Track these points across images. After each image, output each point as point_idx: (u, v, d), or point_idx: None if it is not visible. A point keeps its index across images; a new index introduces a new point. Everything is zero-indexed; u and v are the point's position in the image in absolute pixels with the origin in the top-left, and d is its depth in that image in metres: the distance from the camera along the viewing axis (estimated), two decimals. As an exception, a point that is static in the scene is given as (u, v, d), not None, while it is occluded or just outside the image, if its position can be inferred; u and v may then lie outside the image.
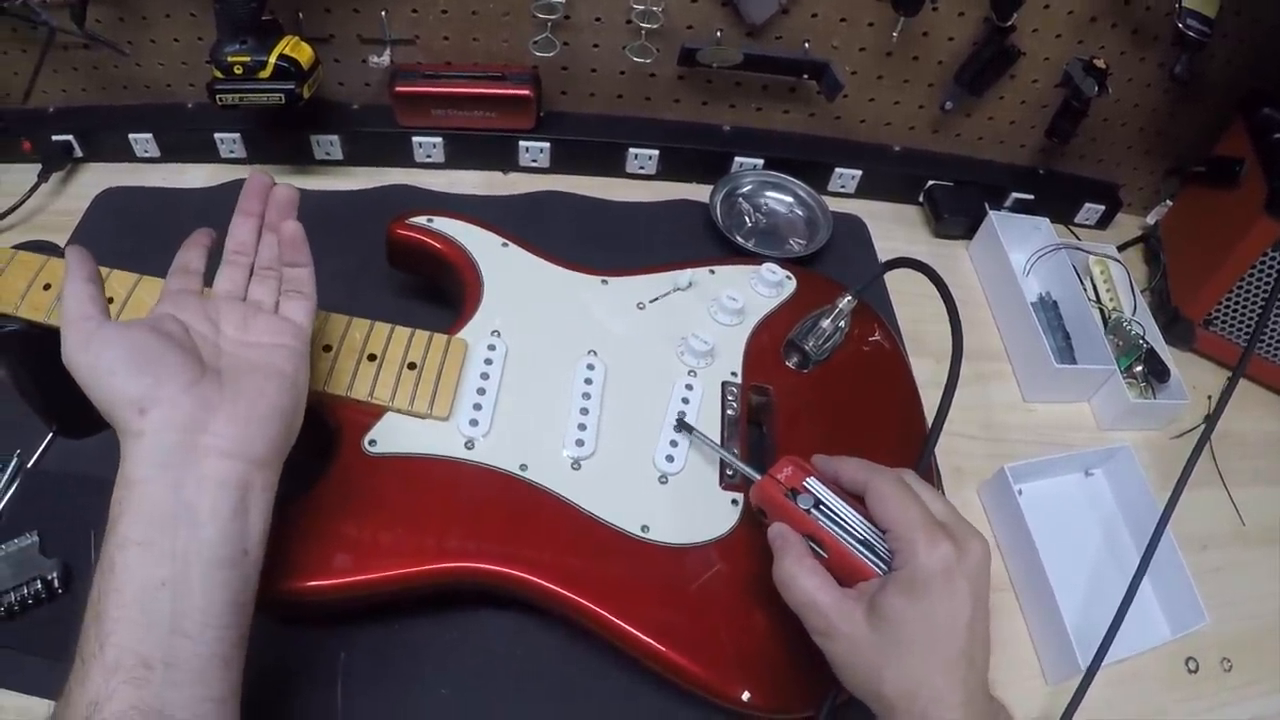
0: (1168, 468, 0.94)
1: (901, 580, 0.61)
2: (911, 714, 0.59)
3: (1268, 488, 1.10)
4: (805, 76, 1.18)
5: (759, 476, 0.71)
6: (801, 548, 0.66)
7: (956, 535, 0.63)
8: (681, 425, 0.83)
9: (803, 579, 0.64)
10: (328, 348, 0.81)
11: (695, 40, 1.14)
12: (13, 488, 0.84)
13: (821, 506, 0.67)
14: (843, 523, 0.66)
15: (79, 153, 1.17)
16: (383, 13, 1.11)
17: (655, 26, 1.11)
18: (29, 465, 0.86)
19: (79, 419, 0.88)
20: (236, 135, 1.17)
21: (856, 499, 0.68)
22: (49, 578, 0.76)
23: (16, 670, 0.74)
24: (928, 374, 0.98)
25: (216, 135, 1.17)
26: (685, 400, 0.87)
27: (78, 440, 0.88)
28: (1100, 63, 1.15)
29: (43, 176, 1.13)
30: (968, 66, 1.18)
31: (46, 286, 0.79)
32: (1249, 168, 1.11)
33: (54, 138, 1.15)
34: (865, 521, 0.66)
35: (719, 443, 0.85)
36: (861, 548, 0.65)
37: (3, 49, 1.12)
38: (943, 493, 0.94)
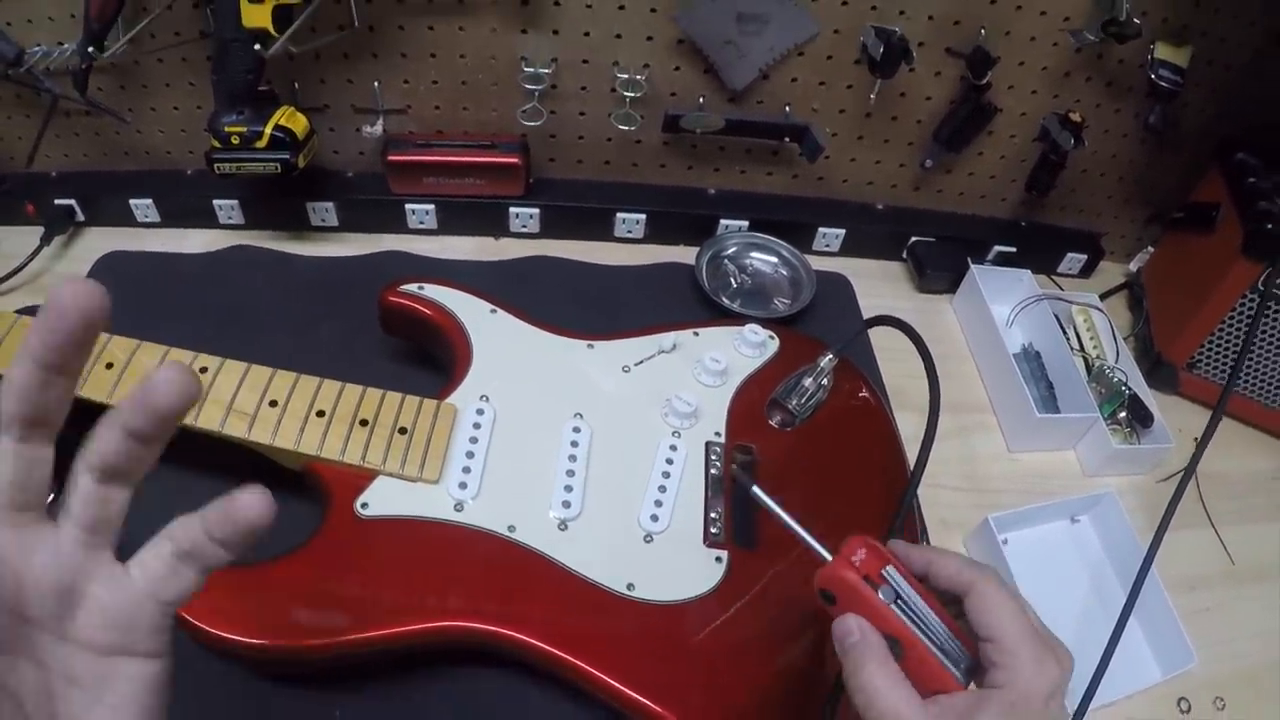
0: (1154, 511, 0.93)
1: (1004, 701, 0.56)
2: None
3: (1256, 526, 1.10)
4: (787, 139, 1.21)
5: (830, 557, 0.62)
6: (885, 652, 0.58)
7: (1056, 651, 0.59)
8: (736, 480, 0.80)
9: (891, 693, 0.57)
10: (321, 413, 0.82)
11: (678, 107, 1.17)
12: None
13: (900, 600, 0.60)
14: (923, 622, 0.60)
15: (81, 217, 1.19)
16: (375, 83, 1.13)
17: (639, 94, 1.13)
18: None
19: None
20: (234, 202, 1.19)
21: (930, 593, 0.62)
22: None
23: None
24: (913, 428, 0.99)
25: (215, 202, 1.19)
26: (669, 461, 0.88)
27: None
28: (1076, 116, 1.17)
29: (45, 240, 1.14)
30: (946, 124, 1.20)
31: None
32: (1225, 212, 1.13)
33: (56, 201, 1.17)
34: (942, 623, 0.61)
35: (704, 501, 0.86)
36: (941, 654, 0.59)
37: (7, 114, 1.14)
38: (929, 544, 0.96)
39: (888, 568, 0.61)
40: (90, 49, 1.00)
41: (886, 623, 0.59)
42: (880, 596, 0.60)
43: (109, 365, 0.80)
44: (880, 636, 0.59)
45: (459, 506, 0.81)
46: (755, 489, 0.68)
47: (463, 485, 0.82)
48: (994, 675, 0.57)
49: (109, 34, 1.01)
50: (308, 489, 0.84)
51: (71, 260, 1.16)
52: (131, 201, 1.19)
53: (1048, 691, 0.56)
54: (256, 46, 0.99)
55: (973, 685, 0.60)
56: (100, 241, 1.18)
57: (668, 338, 0.99)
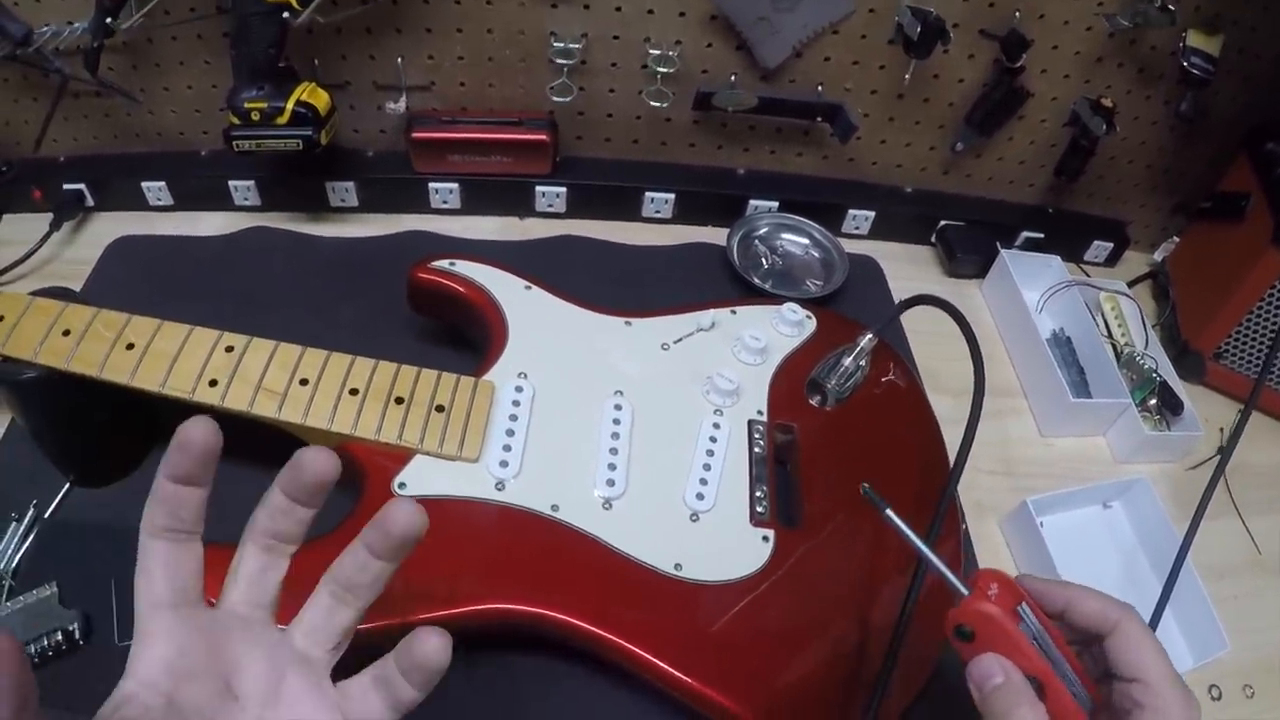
0: (1184, 499, 0.95)
1: None
2: None
3: (1281, 517, 1.11)
4: (819, 119, 1.20)
5: (966, 592, 0.60)
6: (1034, 697, 0.56)
7: (1193, 695, 0.58)
8: (869, 496, 0.78)
9: None
10: (354, 391, 0.81)
11: (710, 84, 1.16)
12: (30, 538, 0.83)
13: (1038, 639, 0.59)
14: (1057, 662, 0.59)
15: (90, 202, 1.18)
16: (399, 59, 1.12)
17: (670, 71, 1.12)
18: (46, 515, 0.86)
19: (97, 468, 0.89)
20: (251, 183, 1.18)
21: (1058, 630, 0.61)
22: (69, 629, 0.76)
23: None
24: (945, 410, 0.99)
25: (231, 183, 1.18)
26: (713, 439, 0.87)
27: (95, 489, 0.88)
28: (1107, 102, 1.17)
29: (54, 226, 1.13)
30: (978, 108, 1.20)
31: (65, 333, 0.78)
32: (1254, 202, 1.12)
33: (65, 186, 1.16)
34: (1068, 660, 0.60)
35: (749, 480, 0.85)
36: (1073, 695, 0.58)
37: (13, 97, 1.13)
38: (966, 528, 0.95)
39: (1023, 604, 0.59)
40: (109, 21, 0.99)
41: (1030, 662, 0.57)
42: (1022, 632, 0.58)
43: (130, 346, 0.78)
44: (1024, 678, 0.57)
45: (500, 485, 0.80)
46: (889, 513, 0.65)
47: (503, 464, 0.80)
48: (1139, 716, 0.57)
49: (121, 11, 1.00)
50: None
51: (82, 246, 1.15)
52: (143, 184, 1.18)
53: None
54: (285, 17, 0.98)
55: None
56: (111, 226, 1.17)
57: (706, 315, 0.98)
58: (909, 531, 0.64)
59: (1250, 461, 1.13)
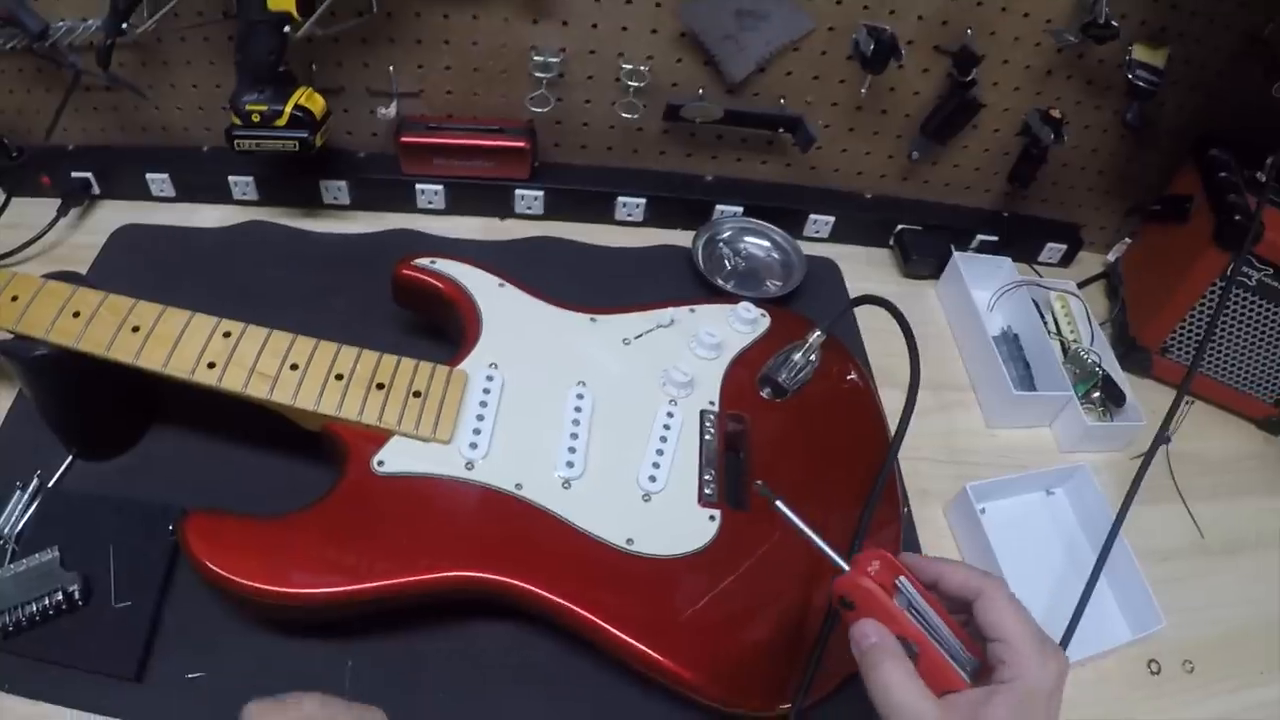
0: (1127, 486, 0.98)
1: (1013, 694, 0.60)
2: None
3: (1225, 503, 1.14)
4: (781, 130, 1.25)
5: (847, 567, 0.67)
6: (900, 653, 0.63)
7: (1058, 653, 0.63)
8: (762, 491, 0.86)
9: (905, 689, 0.61)
10: (340, 376, 0.86)
11: (679, 97, 1.21)
12: (34, 506, 0.87)
13: (913, 607, 0.65)
14: (933, 627, 0.65)
15: (96, 190, 1.22)
16: (390, 67, 1.16)
17: (642, 84, 1.17)
18: (49, 485, 0.90)
19: (98, 442, 0.93)
20: (249, 178, 1.22)
21: (938, 601, 0.66)
22: (69, 590, 0.79)
23: (36, 678, 0.78)
24: (897, 404, 1.00)
25: (230, 178, 1.22)
26: (666, 427, 0.92)
27: (96, 463, 0.93)
28: (1056, 112, 1.21)
29: (62, 211, 1.17)
30: (932, 118, 1.24)
31: (76, 314, 0.82)
32: (1198, 204, 1.17)
33: (73, 174, 1.20)
34: (948, 627, 0.65)
35: (698, 464, 0.91)
36: (949, 656, 0.64)
37: (26, 88, 1.17)
38: (909, 512, 1.00)
39: (900, 577, 0.66)
40: (120, 24, 1.03)
41: (901, 627, 0.64)
42: (895, 603, 0.64)
43: (135, 329, 0.83)
44: (895, 639, 0.64)
45: (470, 465, 0.85)
46: (779, 504, 0.72)
47: (473, 445, 0.86)
48: (1001, 672, 0.61)
49: (134, 11, 1.04)
50: (323, 450, 0.88)
51: (87, 232, 1.19)
52: (148, 175, 1.21)
53: (1051, 687, 0.61)
54: (286, 29, 1.02)
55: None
56: (115, 214, 1.21)
57: (666, 313, 1.03)
58: (796, 519, 0.71)
59: (1195, 450, 1.18)
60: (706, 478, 0.90)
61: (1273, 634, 1.03)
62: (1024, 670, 0.60)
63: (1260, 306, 1.14)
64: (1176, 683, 0.97)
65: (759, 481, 0.77)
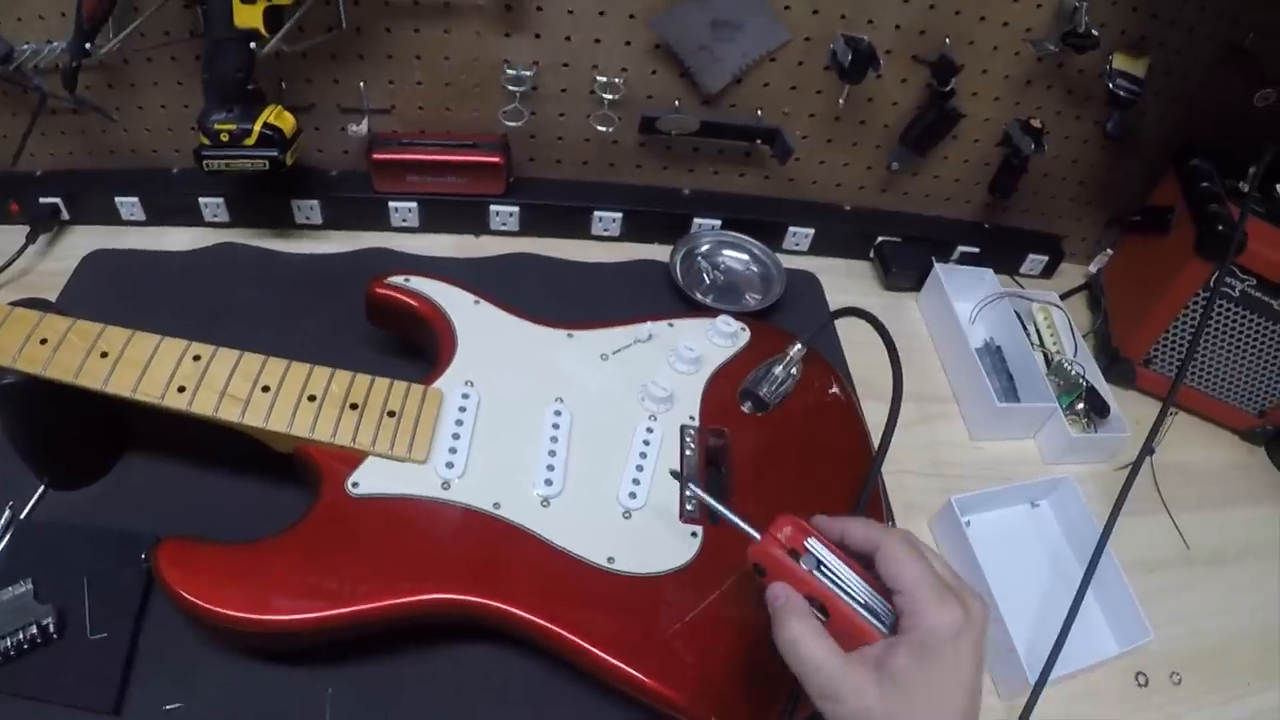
0: (1112, 498, 0.98)
1: (912, 642, 0.61)
2: None
3: (1210, 514, 1.14)
4: (759, 141, 1.24)
5: (758, 536, 0.68)
6: (805, 609, 0.65)
7: (962, 597, 0.63)
8: (676, 476, 0.87)
9: (808, 643, 0.63)
10: (312, 398, 0.85)
11: (654, 109, 1.20)
12: (6, 538, 0.86)
13: (823, 568, 0.66)
14: (845, 585, 0.66)
15: (65, 215, 1.20)
16: (361, 83, 1.15)
17: (617, 97, 1.16)
18: (21, 517, 0.88)
19: (70, 472, 0.91)
20: (220, 199, 1.20)
21: (855, 561, 0.67)
22: (44, 623, 0.77)
23: (12, 714, 0.76)
24: (879, 416, 1.00)
25: (201, 199, 1.20)
26: (646, 442, 0.91)
27: (68, 492, 0.91)
28: (1036, 122, 1.21)
29: (30, 238, 1.15)
30: (911, 129, 1.24)
31: (43, 341, 0.80)
32: (1179, 214, 1.17)
33: (41, 200, 1.18)
34: (865, 584, 0.66)
35: (691, 486, 0.89)
36: (864, 610, 0.65)
37: None
38: (894, 525, 0.99)
39: (810, 539, 0.67)
40: (84, 46, 1.02)
41: (808, 587, 0.66)
42: (802, 565, 0.66)
43: (104, 354, 0.81)
44: (802, 599, 0.65)
45: (446, 485, 0.84)
46: (693, 486, 0.78)
47: (449, 465, 0.84)
48: (902, 622, 0.63)
49: (99, 32, 1.03)
50: (297, 472, 0.87)
51: (56, 259, 1.17)
52: (117, 199, 1.20)
53: (951, 631, 0.61)
54: (253, 45, 1.01)
55: None
56: (85, 239, 1.19)
57: (644, 328, 1.02)
58: (704, 494, 0.77)
59: (1180, 461, 1.18)
60: (688, 494, 0.89)
61: (1259, 645, 1.03)
62: (920, 618, 0.61)
63: (1243, 317, 1.14)
64: (1164, 694, 0.96)
65: (672, 468, 0.81)
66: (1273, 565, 1.11)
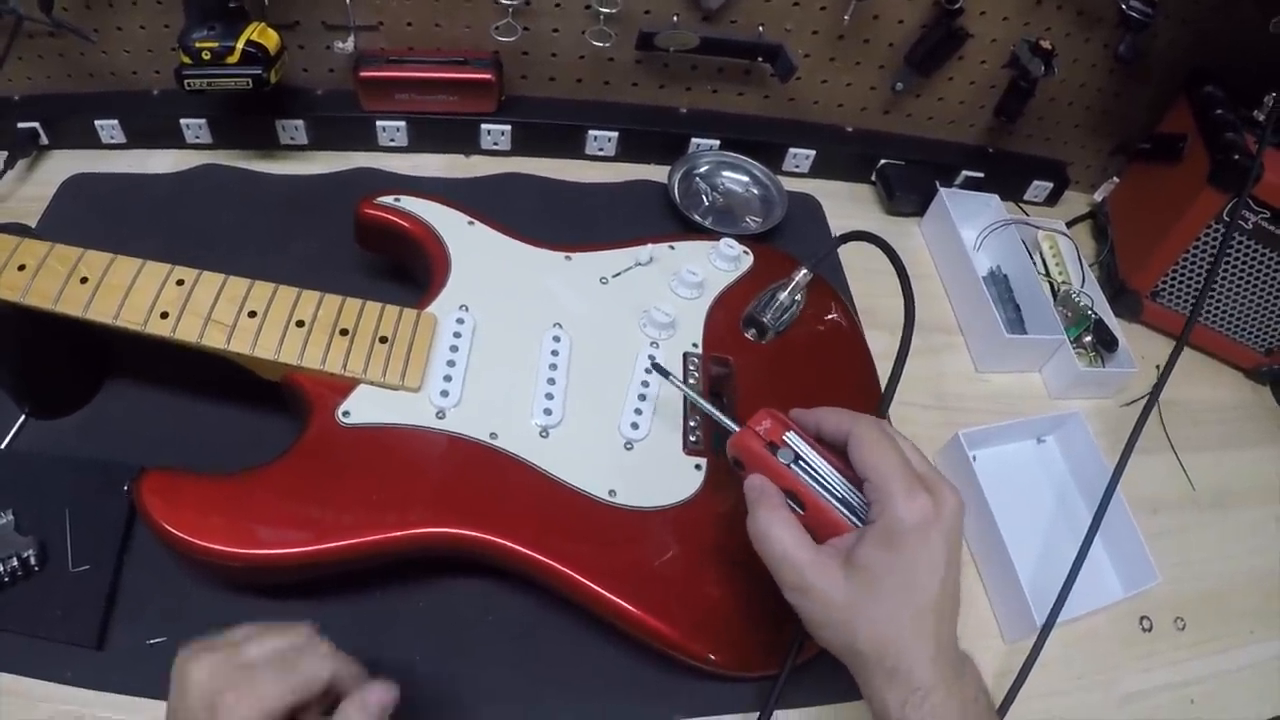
0: (1117, 434, 0.97)
1: (879, 532, 0.61)
2: (882, 666, 0.60)
3: (1217, 453, 1.13)
4: (759, 59, 1.21)
5: (737, 428, 0.70)
6: (778, 501, 0.66)
7: (933, 488, 0.63)
8: (656, 368, 0.84)
9: (778, 533, 0.64)
10: (300, 323, 0.82)
11: (652, 25, 1.16)
12: None
13: (801, 461, 0.67)
14: (821, 479, 0.66)
15: (45, 140, 1.17)
16: None
17: (613, 11, 1.13)
18: (2, 447, 0.87)
19: (51, 400, 0.89)
20: (202, 121, 1.18)
21: (835, 454, 0.68)
22: (25, 555, 0.76)
23: None
24: (882, 346, 1.01)
25: (182, 121, 1.17)
26: (648, 370, 0.89)
27: (50, 421, 0.89)
28: (1046, 44, 1.18)
29: (8, 164, 1.13)
30: (917, 48, 1.21)
31: (21, 267, 0.78)
32: (1191, 143, 1.14)
33: (19, 125, 1.15)
34: (842, 478, 0.66)
35: (683, 410, 0.88)
36: (839, 504, 0.65)
37: None
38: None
39: (788, 433, 0.69)
40: None
41: (783, 479, 0.67)
42: (779, 458, 0.67)
43: (84, 280, 0.79)
44: (777, 490, 0.66)
45: (441, 414, 0.81)
46: (671, 376, 0.79)
47: (444, 393, 0.82)
48: (871, 512, 0.63)
49: None
50: (285, 401, 0.84)
51: (36, 184, 1.14)
52: (97, 122, 1.17)
53: (919, 521, 0.61)
54: None
55: None
56: (65, 164, 1.17)
57: (644, 250, 1.00)
58: (683, 386, 0.79)
59: (1186, 399, 1.17)
60: (691, 424, 0.87)
61: (1263, 589, 1.02)
62: (887, 507, 0.61)
63: (1256, 252, 1.12)
64: (1169, 639, 0.96)
65: (652, 357, 0.84)
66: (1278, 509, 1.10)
